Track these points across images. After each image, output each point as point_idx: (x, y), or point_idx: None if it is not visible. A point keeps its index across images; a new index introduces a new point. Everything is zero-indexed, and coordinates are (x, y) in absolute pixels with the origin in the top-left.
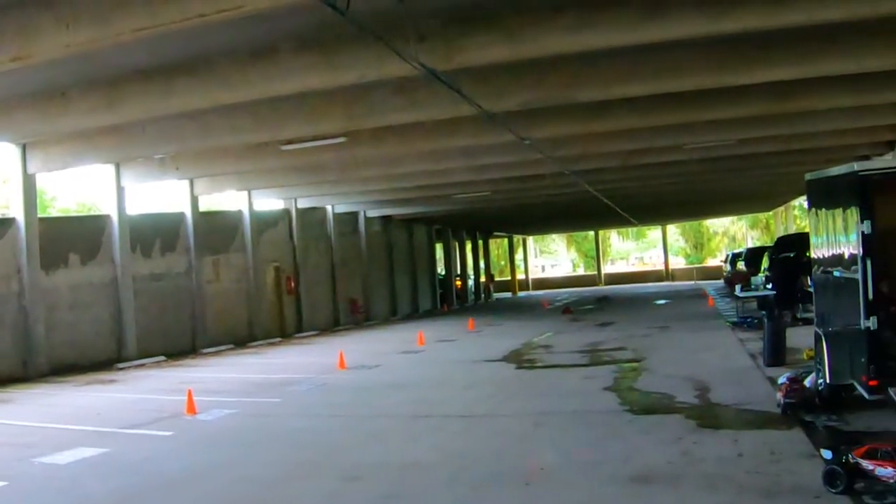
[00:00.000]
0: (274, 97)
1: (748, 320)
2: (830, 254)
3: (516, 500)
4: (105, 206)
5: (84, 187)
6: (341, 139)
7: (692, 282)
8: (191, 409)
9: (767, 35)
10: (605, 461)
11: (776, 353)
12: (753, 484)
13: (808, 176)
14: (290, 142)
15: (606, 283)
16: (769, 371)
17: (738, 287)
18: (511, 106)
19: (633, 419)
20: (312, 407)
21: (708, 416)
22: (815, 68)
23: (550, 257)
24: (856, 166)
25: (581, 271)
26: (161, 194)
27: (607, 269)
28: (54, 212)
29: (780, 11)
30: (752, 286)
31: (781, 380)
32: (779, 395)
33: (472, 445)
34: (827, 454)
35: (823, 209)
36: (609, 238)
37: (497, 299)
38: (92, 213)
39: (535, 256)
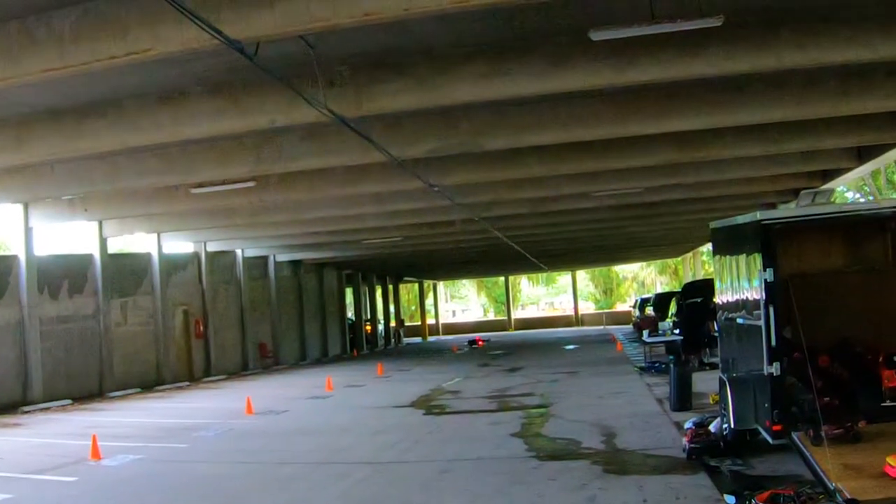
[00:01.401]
0: (184, 140)
1: (656, 365)
2: (735, 300)
3: None
4: (12, 246)
5: None
6: (250, 183)
7: (601, 327)
8: (95, 454)
9: (675, 85)
10: None
11: (682, 398)
12: None
13: (712, 224)
14: (200, 185)
15: (517, 328)
16: (675, 416)
17: (645, 333)
18: (420, 153)
19: (539, 465)
20: (219, 453)
21: (614, 461)
22: (722, 118)
23: (461, 302)
24: (758, 215)
25: (492, 316)
26: (70, 235)
27: (518, 313)
28: None
29: (687, 63)
30: (660, 331)
31: (687, 425)
32: (684, 441)
33: (377, 492)
34: (730, 499)
35: (728, 256)
36: (519, 283)
37: (407, 344)
38: None
39: (446, 301)
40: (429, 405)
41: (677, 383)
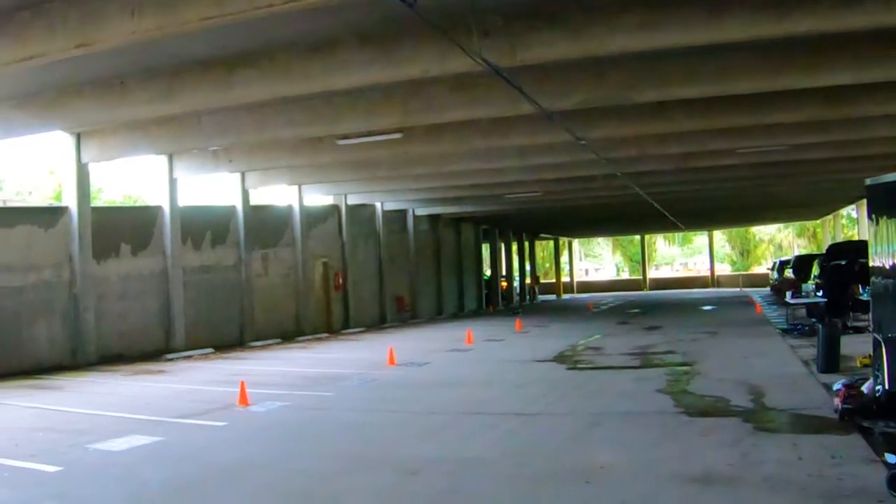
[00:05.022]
0: (331, 92)
1: (798, 327)
2: (892, 262)
3: (577, 498)
4: (156, 197)
5: (131, 179)
6: (397, 135)
7: (737, 288)
8: (243, 400)
9: (828, 38)
10: (664, 461)
11: (830, 360)
12: (815, 487)
13: (868, 181)
14: (345, 136)
15: (651, 288)
16: (823, 378)
17: (788, 294)
18: (569, 105)
19: (689, 421)
20: (365, 402)
21: (764, 420)
22: (874, 73)
23: (595, 261)
24: None
25: (626, 275)
26: (210, 187)
27: (652, 273)
28: (100, 204)
29: (844, 14)
30: (803, 293)
31: (837, 386)
32: (836, 401)
33: (528, 443)
34: (892, 458)
35: (885, 216)
36: (655, 243)
37: (542, 301)
38: (138, 204)
39: (580, 259)
40: (571, 360)
41: (826, 344)
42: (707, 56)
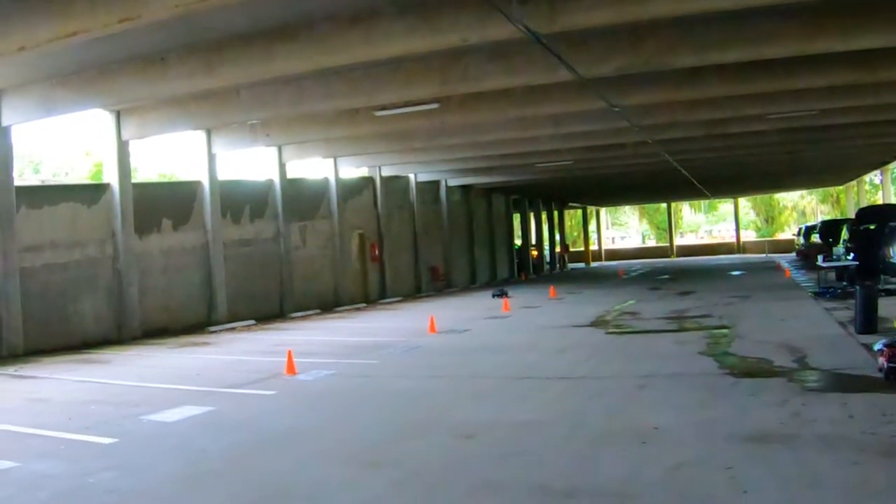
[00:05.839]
0: (370, 63)
1: (830, 290)
2: None
3: (637, 457)
4: (193, 172)
5: (164, 158)
6: (434, 105)
7: (763, 254)
8: (290, 369)
9: (863, 3)
10: (717, 421)
11: (868, 321)
12: (871, 444)
13: None
14: (384, 107)
15: (678, 255)
16: (862, 338)
17: (820, 257)
18: (606, 72)
19: (736, 382)
20: (411, 368)
21: (810, 379)
22: None
23: (620, 229)
24: None
25: (651, 243)
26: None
27: (678, 241)
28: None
29: None
30: (834, 256)
31: (878, 346)
32: (881, 360)
33: (580, 405)
34: None
35: None
36: (681, 210)
37: (571, 269)
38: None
39: (607, 228)
40: (609, 325)
41: (863, 305)
42: (743, 21)
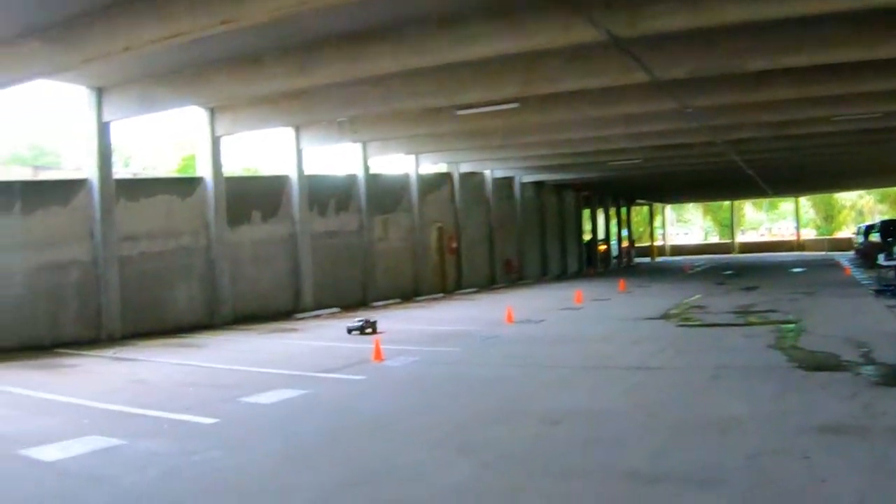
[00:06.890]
0: (455, 64)
1: (892, 288)
2: None
3: (716, 445)
4: (281, 167)
5: (250, 154)
6: (515, 105)
7: (822, 252)
8: (378, 356)
9: None
10: (790, 413)
11: None
12: None
13: None
14: (468, 106)
15: (739, 252)
16: None
17: (881, 256)
18: (681, 74)
19: (806, 375)
20: (491, 356)
21: (878, 374)
22: None
23: (684, 226)
24: None
25: (713, 239)
26: (325, 156)
27: (739, 238)
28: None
29: None
30: (894, 255)
31: None
32: None
33: (657, 395)
34: None
35: None
36: (743, 208)
37: (637, 263)
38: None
39: (672, 224)
40: (679, 318)
41: None
42: (811, 26)
